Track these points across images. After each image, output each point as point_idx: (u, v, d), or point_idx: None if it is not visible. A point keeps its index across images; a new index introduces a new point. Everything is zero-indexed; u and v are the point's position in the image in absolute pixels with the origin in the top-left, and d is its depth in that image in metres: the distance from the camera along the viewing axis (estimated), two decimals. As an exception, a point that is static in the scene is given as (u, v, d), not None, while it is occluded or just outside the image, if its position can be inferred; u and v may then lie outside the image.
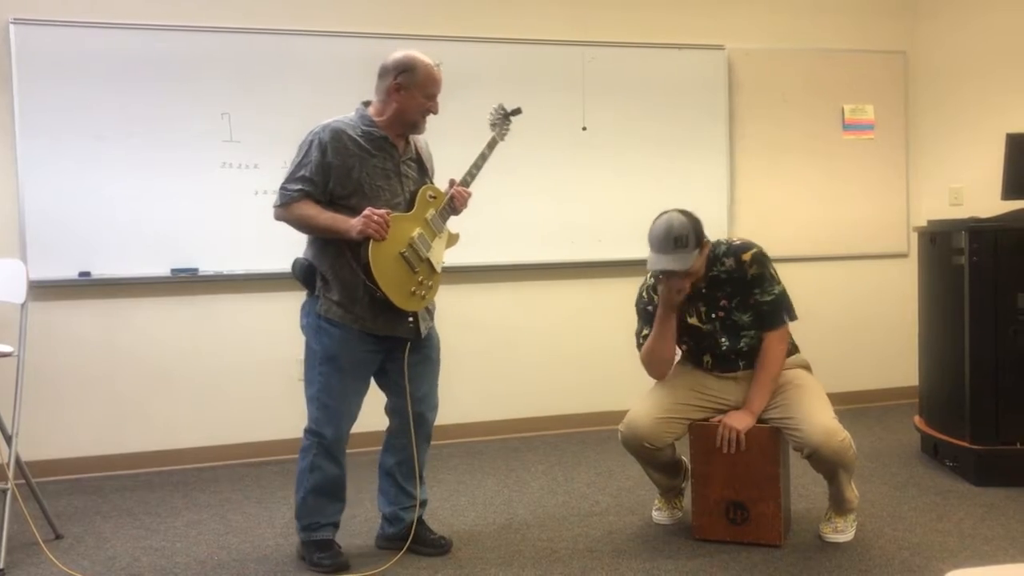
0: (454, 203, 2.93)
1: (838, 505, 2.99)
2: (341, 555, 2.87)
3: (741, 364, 2.99)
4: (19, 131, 3.93)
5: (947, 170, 5.14)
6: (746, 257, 2.91)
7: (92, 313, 4.10)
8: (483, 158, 3.02)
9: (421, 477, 2.99)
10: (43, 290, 3.96)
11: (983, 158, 4.79)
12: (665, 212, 2.90)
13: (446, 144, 4.42)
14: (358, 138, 2.77)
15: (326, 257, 2.79)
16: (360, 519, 3.33)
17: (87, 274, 4.02)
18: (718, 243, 2.97)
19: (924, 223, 4.01)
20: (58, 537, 3.20)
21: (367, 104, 2.86)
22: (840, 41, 5.15)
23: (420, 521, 3.00)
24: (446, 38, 4.46)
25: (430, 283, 2.85)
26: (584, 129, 4.68)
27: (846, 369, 5.01)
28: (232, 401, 4.28)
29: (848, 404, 4.96)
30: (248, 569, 2.88)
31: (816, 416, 2.81)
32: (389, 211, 2.72)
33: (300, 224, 2.79)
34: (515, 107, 3.11)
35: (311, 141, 2.75)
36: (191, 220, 4.14)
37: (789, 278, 3.09)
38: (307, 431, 2.87)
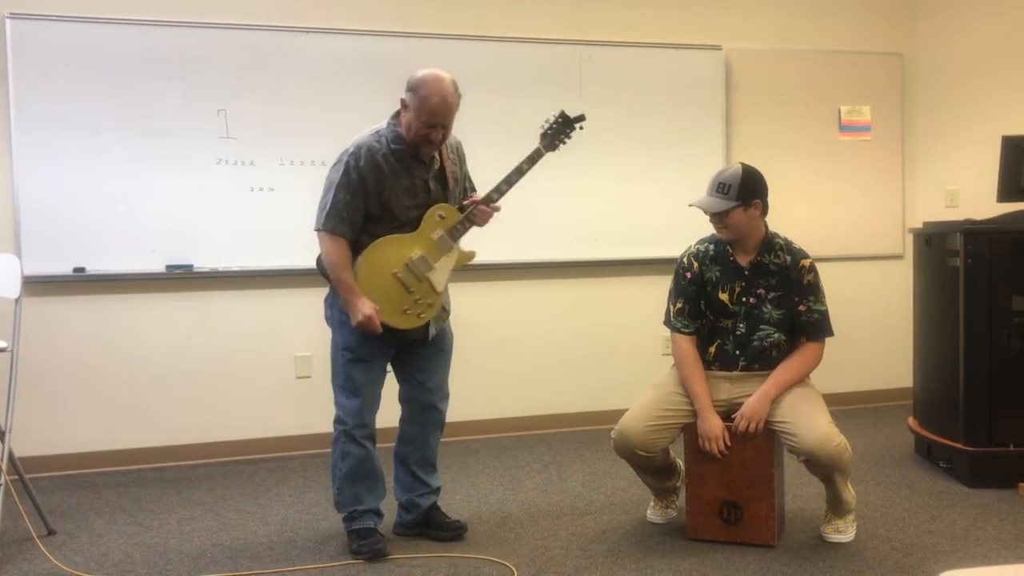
0: (475, 220, 2.92)
1: (836, 507, 2.99)
2: (379, 543, 2.90)
3: (740, 363, 2.99)
4: (14, 126, 3.92)
5: (943, 172, 5.15)
6: (805, 263, 2.99)
7: (86, 309, 4.09)
8: (519, 172, 2.94)
9: (434, 465, 3.11)
10: (37, 286, 3.95)
11: (979, 160, 4.80)
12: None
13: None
14: (389, 156, 2.80)
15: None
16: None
17: (82, 270, 4.01)
18: (775, 235, 3.02)
19: (920, 225, 4.02)
20: (51, 533, 3.19)
21: (398, 115, 2.85)
22: (838, 42, 5.16)
23: (435, 507, 3.10)
24: (442, 36, 4.46)
25: (428, 302, 2.88)
26: (581, 129, 4.67)
27: (841, 370, 5.01)
28: (227, 398, 4.28)
29: (842, 405, 4.98)
30: (241, 566, 2.87)
31: (812, 421, 2.82)
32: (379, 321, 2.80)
33: (327, 258, 2.82)
34: (579, 114, 3.05)
35: (347, 164, 2.77)
36: (186, 216, 4.13)
37: (785, 279, 3.09)
38: (334, 421, 2.95)
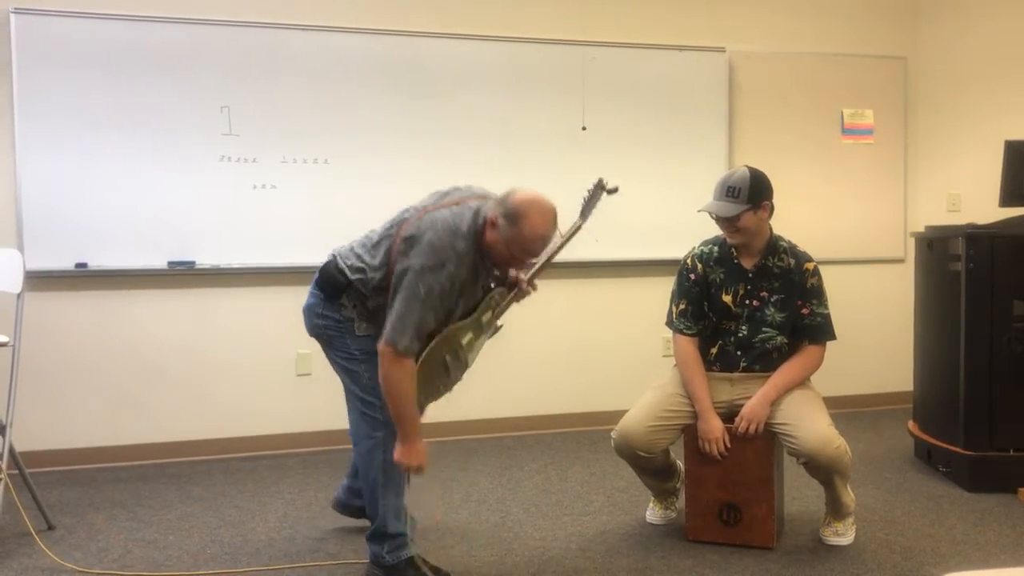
0: (518, 299, 2.84)
1: (835, 510, 2.99)
2: (441, 569, 2.69)
3: (742, 364, 2.99)
4: (18, 121, 3.92)
5: (945, 176, 5.15)
6: (809, 266, 3.00)
7: (88, 304, 4.09)
8: (558, 249, 2.80)
9: None
10: (39, 280, 3.95)
11: (982, 165, 4.80)
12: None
13: (448, 142, 4.45)
14: (472, 263, 2.54)
15: (378, 298, 2.58)
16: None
17: (84, 265, 4.01)
18: (780, 238, 3.03)
19: (921, 228, 4.02)
20: (50, 528, 3.19)
21: (481, 218, 2.55)
22: (841, 45, 5.16)
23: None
24: (447, 35, 4.46)
25: (458, 377, 2.75)
26: (584, 129, 4.69)
27: (841, 373, 4.99)
28: (227, 395, 4.28)
29: (843, 408, 4.98)
30: (240, 562, 2.88)
31: (812, 424, 2.82)
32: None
33: (394, 386, 2.47)
34: (614, 186, 2.98)
35: (442, 285, 2.45)
36: (189, 213, 4.13)
37: (786, 281, 3.09)
38: (373, 428, 2.61)
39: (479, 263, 2.58)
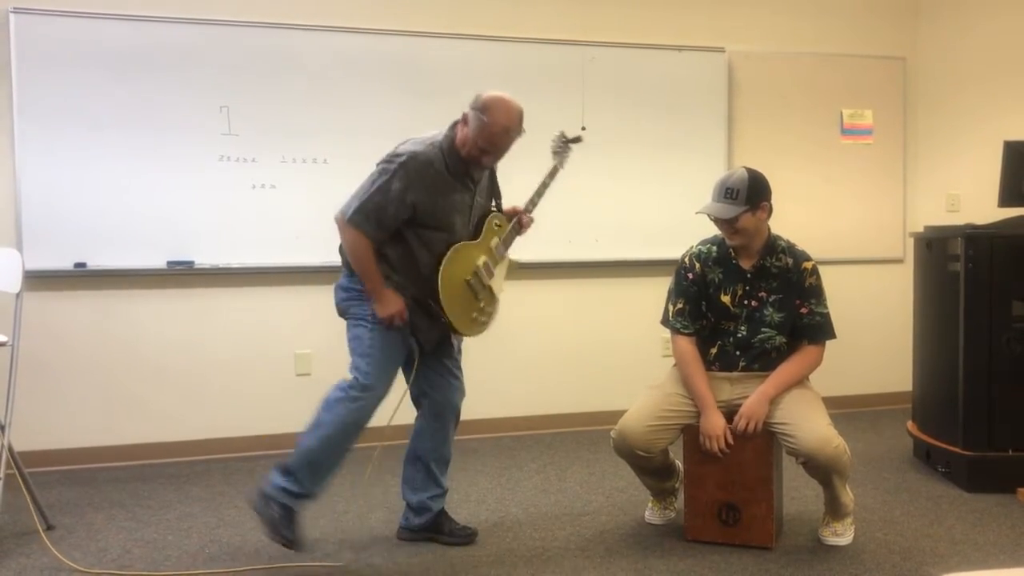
0: (520, 230, 3.01)
1: (834, 510, 2.99)
2: (304, 543, 2.77)
3: (741, 364, 2.99)
4: (17, 121, 3.92)
5: (944, 176, 5.15)
6: (807, 266, 3.00)
7: (87, 304, 4.09)
8: (544, 186, 3.06)
9: (449, 462, 3.06)
10: (38, 280, 3.95)
11: (981, 165, 4.80)
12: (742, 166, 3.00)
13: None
14: (443, 171, 2.75)
15: (396, 244, 2.78)
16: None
17: (83, 265, 4.01)
18: (778, 237, 3.03)
19: (921, 229, 4.02)
20: (49, 528, 3.19)
21: (455, 125, 2.80)
22: (840, 46, 5.16)
23: (444, 512, 3.05)
24: (447, 35, 4.46)
25: (491, 310, 2.94)
26: (583, 129, 4.68)
27: (840, 373, 4.99)
28: (226, 395, 4.28)
29: (842, 408, 4.97)
30: (239, 563, 2.88)
31: (811, 423, 2.82)
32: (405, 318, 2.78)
33: (349, 249, 2.75)
34: (575, 135, 3.15)
35: (394, 171, 2.69)
36: (188, 213, 4.13)
37: (785, 281, 3.09)
38: (351, 386, 2.73)
39: (448, 174, 2.75)
